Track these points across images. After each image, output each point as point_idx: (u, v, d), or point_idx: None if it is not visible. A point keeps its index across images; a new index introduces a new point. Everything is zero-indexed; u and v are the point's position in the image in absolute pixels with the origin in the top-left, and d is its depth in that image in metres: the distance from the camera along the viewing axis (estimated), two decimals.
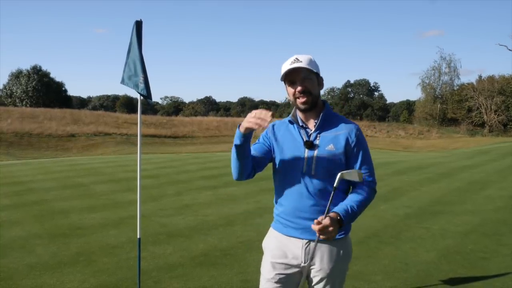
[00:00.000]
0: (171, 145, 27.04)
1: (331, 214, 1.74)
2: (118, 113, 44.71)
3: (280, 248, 1.92)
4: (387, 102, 79.85)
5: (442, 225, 5.67)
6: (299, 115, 1.92)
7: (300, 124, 1.91)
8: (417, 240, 4.97)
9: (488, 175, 10.91)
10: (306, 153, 1.85)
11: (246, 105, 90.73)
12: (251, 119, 1.65)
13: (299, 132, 1.90)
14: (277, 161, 1.94)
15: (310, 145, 1.85)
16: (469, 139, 36.32)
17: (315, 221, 1.69)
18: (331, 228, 1.67)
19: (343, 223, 1.75)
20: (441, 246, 4.74)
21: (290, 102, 1.91)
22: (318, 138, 1.87)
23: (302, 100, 1.84)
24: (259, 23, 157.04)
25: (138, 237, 3.35)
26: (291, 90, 1.87)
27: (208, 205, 6.85)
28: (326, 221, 1.67)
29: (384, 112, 74.17)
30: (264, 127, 1.63)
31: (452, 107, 49.31)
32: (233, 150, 1.81)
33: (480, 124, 46.60)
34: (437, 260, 4.25)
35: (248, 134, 1.73)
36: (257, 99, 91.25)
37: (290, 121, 1.95)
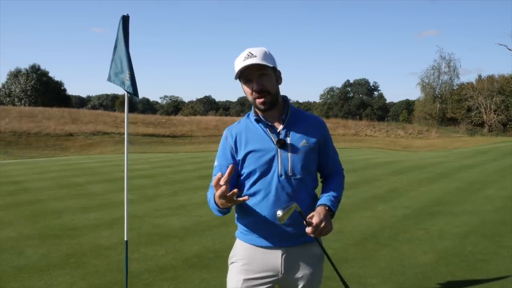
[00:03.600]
0: (170, 145, 26.93)
1: (318, 209, 1.66)
2: (117, 112, 44.57)
3: (256, 262, 1.75)
4: (387, 101, 79.80)
5: (441, 226, 5.58)
6: (260, 113, 1.76)
7: (266, 122, 1.75)
8: (415, 241, 4.87)
9: (487, 175, 10.82)
10: (280, 153, 1.71)
11: (245, 105, 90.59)
12: (221, 201, 1.56)
13: (265, 131, 1.74)
14: (245, 169, 1.75)
15: (283, 144, 1.70)
16: (469, 139, 36.24)
17: (307, 230, 1.60)
18: (323, 224, 1.60)
19: (333, 212, 1.72)
20: (439, 247, 4.65)
21: (249, 101, 1.75)
22: (288, 135, 1.73)
23: (260, 100, 1.68)
24: (258, 23, 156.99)
25: (125, 239, 3.25)
26: (247, 89, 1.71)
27: (203, 206, 6.75)
28: (316, 219, 1.60)
29: (383, 111, 74.09)
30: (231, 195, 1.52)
31: (451, 106, 49.20)
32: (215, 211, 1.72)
33: (480, 124, 46.50)
34: (435, 262, 4.15)
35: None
36: None
37: (256, 119, 1.76)
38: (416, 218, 6.03)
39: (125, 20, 2.93)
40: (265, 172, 1.71)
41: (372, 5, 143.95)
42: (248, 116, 1.84)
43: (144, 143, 25.31)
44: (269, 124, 1.75)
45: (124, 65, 2.94)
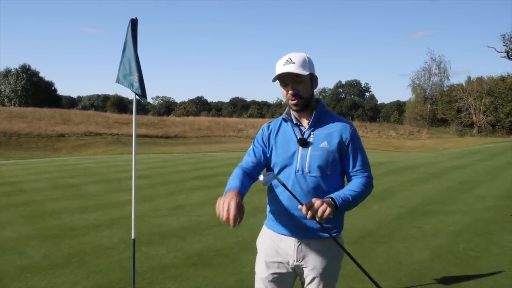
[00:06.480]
0: (163, 145, 26.86)
1: (325, 199, 1.71)
2: (108, 113, 44.31)
3: (273, 247, 1.93)
4: (378, 102, 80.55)
5: (434, 224, 5.72)
6: (293, 113, 1.94)
7: (294, 122, 1.92)
8: (410, 239, 5.00)
9: (478, 175, 11.05)
10: (300, 150, 1.86)
11: (237, 105, 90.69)
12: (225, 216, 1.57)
13: (293, 130, 1.92)
14: (271, 159, 1.95)
15: (303, 142, 1.86)
16: (459, 140, 36.76)
17: (301, 207, 1.65)
18: (317, 203, 1.62)
19: (337, 207, 1.71)
20: (433, 245, 4.79)
21: (284, 101, 1.91)
22: (311, 135, 1.88)
23: (293, 102, 1.86)
24: (251, 24, 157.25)
25: (132, 237, 3.31)
26: (283, 91, 1.89)
27: (201, 205, 6.82)
28: (309, 201, 1.65)
29: (375, 112, 74.75)
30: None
31: (441, 107, 49.85)
32: None
33: (469, 125, 47.18)
34: (430, 259, 4.29)
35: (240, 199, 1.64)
36: (248, 99, 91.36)
37: (284, 119, 1.96)
38: (410, 217, 6.17)
39: (133, 23, 2.99)
40: (285, 167, 1.89)
41: (362, 6, 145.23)
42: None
43: (137, 144, 25.20)
44: (297, 124, 1.92)
45: (133, 67, 3.01)
